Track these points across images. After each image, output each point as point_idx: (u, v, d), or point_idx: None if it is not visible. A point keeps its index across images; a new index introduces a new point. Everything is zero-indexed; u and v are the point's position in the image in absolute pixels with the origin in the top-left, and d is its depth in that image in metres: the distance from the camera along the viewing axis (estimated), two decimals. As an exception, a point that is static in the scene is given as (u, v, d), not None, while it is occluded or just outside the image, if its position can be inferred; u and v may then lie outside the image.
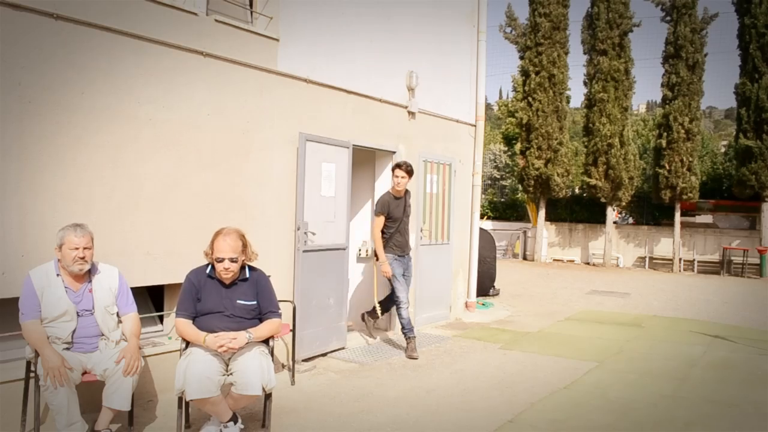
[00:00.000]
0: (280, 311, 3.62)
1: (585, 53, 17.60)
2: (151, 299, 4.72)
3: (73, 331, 3.32)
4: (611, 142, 16.66)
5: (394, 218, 5.71)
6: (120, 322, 3.52)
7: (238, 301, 3.46)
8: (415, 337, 5.73)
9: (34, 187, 3.65)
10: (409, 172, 5.67)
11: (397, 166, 5.67)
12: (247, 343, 3.36)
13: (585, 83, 17.66)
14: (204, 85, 4.58)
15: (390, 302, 5.99)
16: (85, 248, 3.31)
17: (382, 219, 5.68)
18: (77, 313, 3.34)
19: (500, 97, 47.45)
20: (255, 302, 3.52)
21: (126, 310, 3.53)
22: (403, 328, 5.73)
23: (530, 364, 5.50)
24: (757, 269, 15.56)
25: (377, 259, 5.83)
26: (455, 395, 4.54)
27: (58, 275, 3.32)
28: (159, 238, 4.31)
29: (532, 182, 17.60)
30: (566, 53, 17.62)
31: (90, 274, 3.42)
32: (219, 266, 3.40)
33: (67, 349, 3.29)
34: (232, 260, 3.40)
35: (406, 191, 5.85)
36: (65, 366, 3.12)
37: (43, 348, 3.15)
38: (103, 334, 3.42)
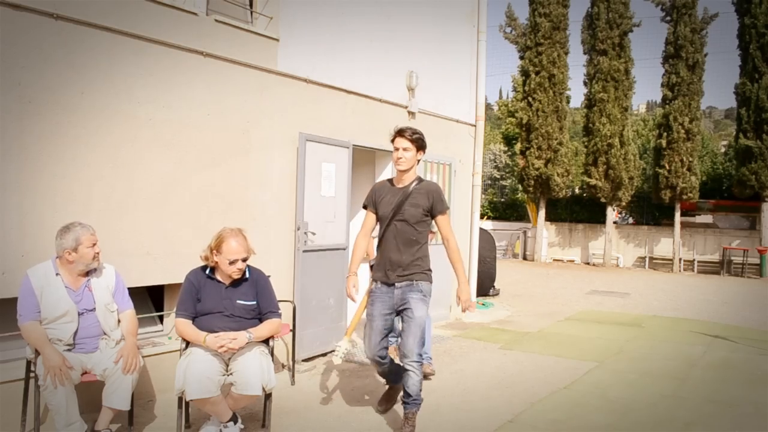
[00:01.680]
0: (280, 311, 3.62)
1: (585, 53, 17.63)
2: (151, 299, 4.72)
3: (75, 333, 3.30)
4: (611, 142, 16.66)
5: (380, 216, 3.81)
6: (120, 320, 3.52)
7: (238, 302, 3.46)
8: (410, 412, 3.68)
9: (34, 187, 3.65)
10: (416, 141, 3.69)
11: (399, 133, 3.72)
12: (247, 343, 3.36)
13: (585, 83, 17.67)
14: (204, 84, 4.57)
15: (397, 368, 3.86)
16: (95, 243, 3.33)
17: (367, 216, 3.88)
18: (78, 312, 3.32)
19: (500, 97, 47.45)
20: (255, 302, 3.52)
21: (123, 308, 3.51)
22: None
23: (530, 364, 5.50)
24: (757, 269, 15.56)
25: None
26: (455, 395, 4.53)
27: (57, 274, 3.29)
28: (158, 238, 4.30)
29: (532, 182, 17.60)
30: (566, 53, 17.63)
31: (88, 272, 3.42)
32: (232, 267, 3.38)
33: (69, 350, 3.27)
34: (244, 260, 3.42)
35: (420, 180, 3.80)
36: (66, 365, 3.12)
37: (43, 347, 3.14)
38: (105, 333, 3.41)
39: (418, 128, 3.80)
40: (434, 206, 3.73)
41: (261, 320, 3.53)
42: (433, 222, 3.82)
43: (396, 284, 3.69)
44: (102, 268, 3.48)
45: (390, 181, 3.88)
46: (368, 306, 3.78)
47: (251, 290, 3.52)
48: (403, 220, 3.69)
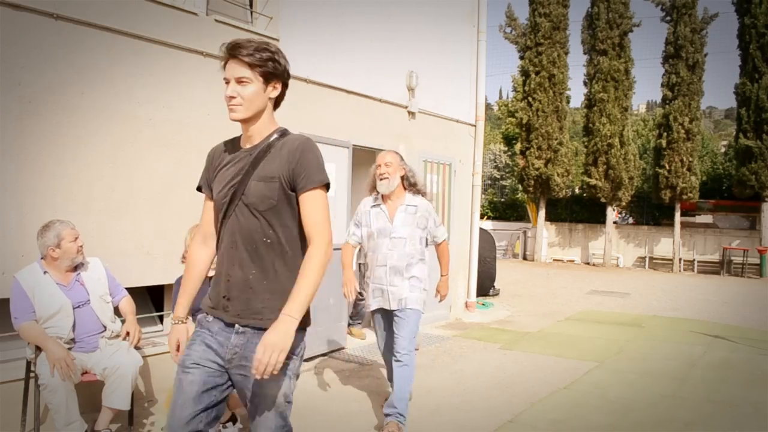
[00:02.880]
0: None
1: (585, 53, 17.64)
2: (151, 299, 4.72)
3: (73, 328, 3.30)
4: (611, 142, 16.67)
5: (214, 200, 2.10)
6: (117, 316, 3.55)
7: None
8: None
9: (34, 187, 3.65)
10: (260, 65, 2.15)
11: (229, 52, 2.09)
12: None
13: (585, 83, 17.68)
14: (204, 85, 4.57)
15: None
16: (77, 237, 3.33)
17: (204, 207, 2.20)
18: (74, 306, 3.32)
19: (500, 97, 47.51)
20: None
21: (120, 295, 3.60)
22: None
23: (530, 364, 5.50)
24: (757, 269, 15.56)
25: None
26: (455, 395, 4.53)
27: (45, 273, 3.29)
28: (159, 238, 4.30)
29: (532, 182, 17.61)
30: (566, 53, 17.64)
31: (76, 267, 3.42)
32: None
33: (69, 348, 3.26)
34: None
35: (283, 134, 2.25)
36: (70, 357, 3.12)
37: (45, 341, 3.13)
38: (105, 328, 3.41)
39: (272, 43, 2.20)
40: (295, 174, 2.04)
41: None
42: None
43: (236, 326, 2.01)
44: (87, 262, 3.49)
45: (235, 140, 2.21)
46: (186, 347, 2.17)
47: None
48: (246, 205, 2.00)
